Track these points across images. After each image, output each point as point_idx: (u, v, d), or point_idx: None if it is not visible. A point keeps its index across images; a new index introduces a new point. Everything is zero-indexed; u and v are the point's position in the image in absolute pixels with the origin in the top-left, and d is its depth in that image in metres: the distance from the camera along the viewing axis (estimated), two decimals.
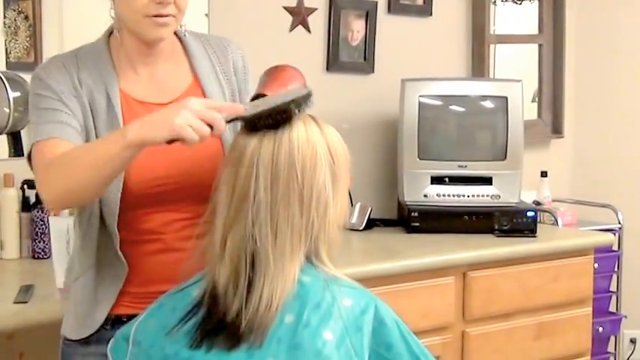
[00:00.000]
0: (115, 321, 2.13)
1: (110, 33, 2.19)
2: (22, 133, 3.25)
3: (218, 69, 2.22)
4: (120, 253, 2.10)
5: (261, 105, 1.83)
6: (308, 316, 1.77)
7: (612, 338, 4.67)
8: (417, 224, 3.79)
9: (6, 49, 3.21)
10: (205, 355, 1.78)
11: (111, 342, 1.98)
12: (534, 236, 3.74)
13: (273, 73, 2.03)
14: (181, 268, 2.09)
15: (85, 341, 2.14)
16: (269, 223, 1.78)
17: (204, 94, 2.16)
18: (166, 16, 2.03)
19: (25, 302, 2.54)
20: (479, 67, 4.54)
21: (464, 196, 3.90)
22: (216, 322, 1.80)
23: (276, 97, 1.84)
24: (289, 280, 1.78)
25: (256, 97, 1.93)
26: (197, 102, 1.82)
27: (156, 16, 2.02)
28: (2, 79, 3.16)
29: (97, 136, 2.06)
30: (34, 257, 3.20)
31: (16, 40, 3.24)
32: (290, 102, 1.82)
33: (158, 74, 2.16)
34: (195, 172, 2.10)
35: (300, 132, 1.82)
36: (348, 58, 4.14)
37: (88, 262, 2.13)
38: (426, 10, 4.38)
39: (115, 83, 2.11)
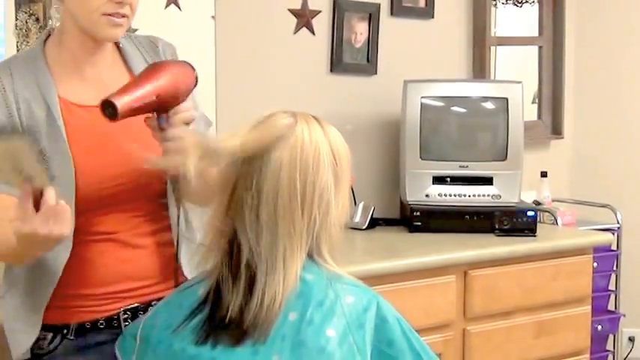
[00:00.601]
0: (78, 330, 2.12)
1: (46, 38, 2.15)
2: None
3: None
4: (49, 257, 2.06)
5: None
6: (311, 313, 1.79)
7: (611, 336, 4.67)
8: (419, 223, 3.81)
9: (18, 51, 3.20)
10: (211, 351, 1.80)
11: (118, 339, 2.00)
12: (534, 236, 3.76)
13: (148, 72, 2.04)
14: (141, 264, 2.14)
15: (50, 355, 2.12)
16: (271, 221, 1.80)
17: None
18: (122, 16, 2.03)
19: None
20: (480, 69, 4.56)
21: (465, 195, 3.92)
22: (220, 319, 1.81)
23: None
24: (291, 278, 1.80)
25: (103, 103, 1.93)
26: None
27: (113, 15, 2.01)
28: None
29: (42, 150, 2.00)
30: None
31: (27, 42, 3.24)
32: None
33: (101, 76, 2.14)
34: (144, 170, 2.08)
35: (303, 132, 1.83)
36: (351, 59, 4.16)
37: (10, 279, 2.11)
38: (427, 12, 4.39)
39: (54, 90, 2.07)
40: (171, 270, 2.18)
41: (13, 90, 2.04)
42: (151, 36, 2.29)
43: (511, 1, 4.75)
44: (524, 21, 4.90)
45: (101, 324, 2.13)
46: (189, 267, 2.19)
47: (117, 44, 2.19)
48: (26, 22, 3.25)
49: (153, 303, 2.14)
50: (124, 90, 1.96)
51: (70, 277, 2.09)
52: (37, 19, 3.27)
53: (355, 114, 4.13)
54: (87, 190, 2.05)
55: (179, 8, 3.61)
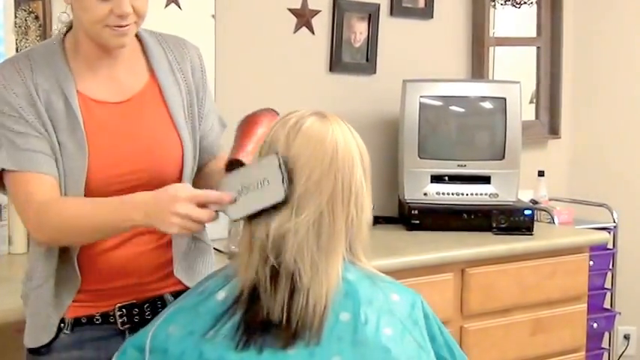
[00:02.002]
0: (74, 324, 2.12)
1: (66, 32, 2.15)
2: None
3: (175, 67, 2.20)
4: (75, 259, 2.10)
5: (243, 196, 1.87)
6: (365, 313, 1.78)
7: (606, 334, 4.69)
8: (417, 222, 3.84)
9: (16, 49, 3.21)
10: (258, 356, 1.76)
11: (117, 353, 1.93)
12: (531, 234, 3.78)
13: (245, 127, 2.07)
14: (138, 262, 2.14)
15: (47, 349, 2.12)
16: (311, 222, 1.78)
17: (160, 91, 2.16)
18: (127, 25, 2.02)
19: None
20: (478, 69, 4.56)
21: (463, 194, 3.95)
22: (260, 323, 1.77)
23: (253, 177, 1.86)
24: (334, 278, 1.79)
25: (231, 162, 1.98)
26: (185, 206, 1.87)
27: (116, 27, 2.01)
28: None
29: (58, 142, 2.05)
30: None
31: (27, 40, 3.24)
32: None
33: (118, 73, 2.14)
34: (156, 167, 2.12)
35: (336, 132, 1.84)
36: (350, 59, 4.17)
37: (49, 270, 2.11)
38: (427, 12, 4.40)
39: (72, 85, 2.08)
40: (170, 269, 2.19)
41: (33, 81, 2.05)
42: (179, 37, 2.28)
43: (510, 2, 4.76)
44: (522, 22, 4.90)
45: (97, 319, 2.14)
46: (185, 266, 2.21)
47: (139, 39, 2.18)
48: (25, 20, 3.25)
49: (150, 300, 2.16)
50: (241, 146, 2.00)
51: None
52: (37, 17, 3.26)
53: (354, 113, 4.12)
54: (96, 185, 2.06)
55: (179, 7, 3.61)
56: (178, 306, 1.90)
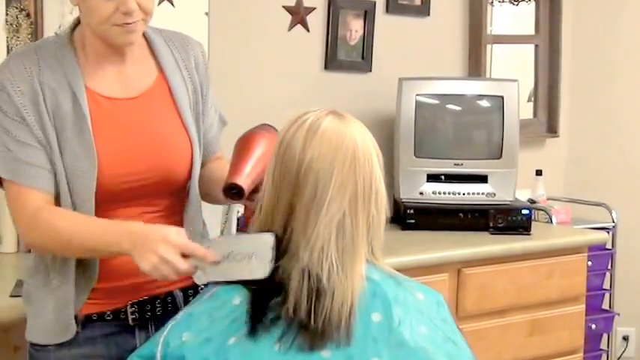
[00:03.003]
0: (85, 321, 2.12)
1: (74, 27, 2.15)
2: None
3: (181, 64, 2.22)
4: (98, 260, 2.10)
5: (227, 262, 1.90)
6: (397, 313, 1.78)
7: (605, 335, 4.67)
8: (413, 221, 3.82)
9: (7, 46, 3.21)
10: (284, 355, 1.75)
11: None
12: (529, 234, 3.77)
13: (242, 148, 2.06)
14: None
15: (57, 345, 2.12)
16: (334, 222, 1.77)
17: (169, 89, 2.17)
18: (133, 22, 2.03)
19: (22, 296, 2.54)
20: (475, 67, 4.55)
21: (459, 193, 3.93)
22: (288, 325, 1.76)
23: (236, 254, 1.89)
24: (358, 278, 1.78)
25: (229, 187, 2.00)
26: (168, 251, 1.89)
27: (123, 24, 2.02)
28: None
29: (58, 142, 2.04)
30: (30, 251, 3.20)
31: (18, 37, 3.23)
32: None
33: (127, 70, 2.15)
34: (166, 167, 2.13)
35: (354, 131, 1.82)
36: (346, 57, 4.16)
37: (68, 273, 2.11)
38: (423, 10, 4.39)
39: (81, 81, 2.08)
40: None
41: (39, 79, 2.05)
42: (181, 33, 2.30)
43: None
44: (520, 19, 4.90)
45: (108, 316, 2.14)
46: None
47: (146, 38, 2.19)
48: (17, 18, 3.25)
49: (161, 297, 2.17)
50: (237, 170, 2.02)
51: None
52: (28, 15, 3.26)
53: (350, 111, 4.02)
54: (107, 184, 2.07)
55: (172, 5, 3.60)
56: (189, 313, 1.87)
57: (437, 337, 1.79)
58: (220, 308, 1.82)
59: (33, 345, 2.17)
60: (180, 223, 2.17)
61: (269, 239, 1.83)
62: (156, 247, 1.89)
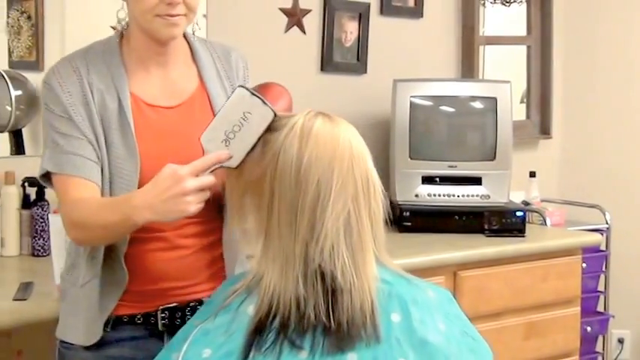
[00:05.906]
0: (115, 322, 2.14)
1: (123, 31, 2.20)
2: (24, 131, 3.27)
3: (222, 75, 2.25)
4: (123, 259, 2.11)
5: (232, 141, 1.88)
6: (416, 312, 1.77)
7: (600, 338, 4.67)
8: (409, 224, 3.82)
9: (9, 48, 3.22)
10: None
11: None
12: (523, 236, 3.76)
13: (261, 91, 2.06)
14: (182, 265, 2.15)
15: (87, 346, 2.14)
16: (341, 220, 1.76)
17: (209, 99, 2.19)
18: (177, 15, 2.06)
19: (24, 299, 2.54)
20: (468, 68, 4.56)
21: (454, 196, 3.93)
22: (305, 331, 1.73)
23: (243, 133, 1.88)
24: (371, 274, 1.77)
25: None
26: (191, 181, 1.87)
27: (166, 15, 2.05)
28: (4, 78, 3.19)
29: (105, 142, 2.08)
30: (33, 254, 3.20)
31: (19, 40, 3.25)
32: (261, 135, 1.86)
33: (170, 75, 2.18)
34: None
35: (346, 130, 1.82)
36: (341, 58, 4.17)
37: (95, 270, 2.12)
38: (417, 12, 4.41)
39: (126, 86, 2.12)
40: (215, 271, 2.20)
41: (88, 80, 2.10)
42: (227, 45, 2.34)
43: (499, 1, 4.76)
44: (512, 20, 4.90)
45: (138, 319, 2.15)
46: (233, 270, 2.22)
47: (190, 46, 2.23)
48: (18, 20, 3.26)
49: (191, 304, 2.16)
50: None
51: None
52: (29, 17, 3.27)
53: (345, 113, 4.00)
54: None
55: None
56: (205, 328, 1.82)
57: (456, 333, 1.80)
58: (236, 320, 1.78)
59: (62, 343, 2.18)
60: (218, 229, 2.20)
61: (242, 92, 1.86)
62: (180, 189, 1.86)
